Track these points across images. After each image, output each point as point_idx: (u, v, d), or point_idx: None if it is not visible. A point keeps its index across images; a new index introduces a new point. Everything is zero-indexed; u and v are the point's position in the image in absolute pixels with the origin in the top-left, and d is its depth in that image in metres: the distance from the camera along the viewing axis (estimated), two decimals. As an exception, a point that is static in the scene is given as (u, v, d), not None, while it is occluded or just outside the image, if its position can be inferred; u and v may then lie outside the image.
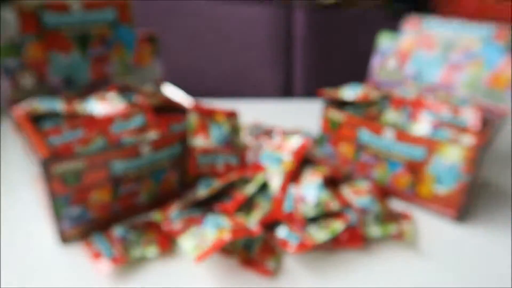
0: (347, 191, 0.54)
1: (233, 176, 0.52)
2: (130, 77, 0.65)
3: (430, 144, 0.53)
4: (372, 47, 0.76)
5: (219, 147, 0.53)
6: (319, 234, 0.47)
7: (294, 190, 0.52)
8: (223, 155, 0.54)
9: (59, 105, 0.56)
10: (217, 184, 0.52)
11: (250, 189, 0.52)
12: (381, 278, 0.45)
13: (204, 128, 0.53)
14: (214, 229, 0.45)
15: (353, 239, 0.49)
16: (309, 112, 0.81)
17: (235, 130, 0.55)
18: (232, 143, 0.55)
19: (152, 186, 0.53)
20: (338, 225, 0.48)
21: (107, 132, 0.51)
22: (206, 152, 0.53)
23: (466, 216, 0.56)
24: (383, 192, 0.60)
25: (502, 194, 0.62)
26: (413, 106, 0.60)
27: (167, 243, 0.48)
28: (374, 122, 0.57)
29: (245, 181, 0.53)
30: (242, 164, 0.55)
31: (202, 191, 0.52)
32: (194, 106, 0.53)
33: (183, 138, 0.53)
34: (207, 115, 0.53)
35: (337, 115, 0.61)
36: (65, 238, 0.48)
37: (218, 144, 0.53)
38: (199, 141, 0.52)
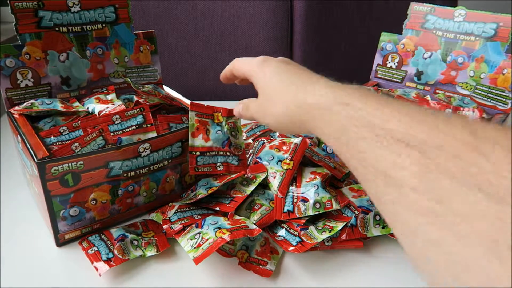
0: (347, 191, 0.54)
1: (233, 176, 0.52)
2: (130, 77, 0.65)
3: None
4: (373, 47, 0.76)
5: (219, 147, 0.53)
6: (319, 234, 0.47)
7: (294, 190, 0.52)
8: (223, 155, 0.54)
9: (57, 105, 0.56)
10: (216, 184, 0.52)
11: (249, 189, 0.51)
12: (381, 278, 0.45)
13: (204, 128, 0.52)
14: (214, 229, 0.45)
15: (353, 239, 0.49)
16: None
17: (235, 130, 0.55)
18: (232, 143, 0.54)
19: (151, 186, 0.53)
20: (338, 225, 0.48)
21: (106, 132, 0.50)
22: (206, 152, 0.52)
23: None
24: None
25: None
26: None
27: (167, 243, 0.48)
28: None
29: (245, 181, 0.53)
30: (242, 164, 0.55)
31: (202, 191, 0.51)
32: (194, 106, 0.53)
33: (183, 138, 0.53)
34: (207, 115, 0.53)
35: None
36: (64, 239, 0.48)
37: (218, 144, 0.53)
38: (199, 141, 0.52)
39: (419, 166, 0.22)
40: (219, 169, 0.53)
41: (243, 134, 0.72)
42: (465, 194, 0.20)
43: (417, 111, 0.25)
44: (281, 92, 0.38)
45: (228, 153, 0.54)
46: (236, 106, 0.47)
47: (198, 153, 0.52)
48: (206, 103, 0.55)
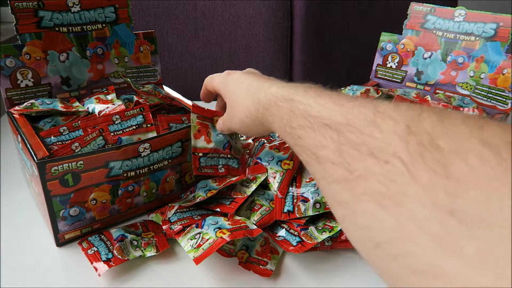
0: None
1: (232, 180, 0.52)
2: (130, 77, 0.65)
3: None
4: (373, 47, 0.76)
5: (220, 149, 0.53)
6: (319, 234, 0.47)
7: (294, 190, 0.52)
8: (224, 158, 0.53)
9: (57, 105, 0.56)
10: (216, 187, 0.52)
11: (250, 190, 0.51)
12: (381, 278, 0.45)
13: (205, 130, 0.52)
14: (214, 229, 0.45)
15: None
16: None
17: (233, 135, 0.55)
18: (233, 146, 0.54)
19: (151, 186, 0.53)
20: (338, 225, 0.48)
21: (106, 132, 0.50)
22: (208, 153, 0.52)
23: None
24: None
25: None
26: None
27: (166, 243, 0.48)
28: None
29: (245, 182, 0.53)
30: (243, 167, 0.55)
31: (201, 194, 0.51)
32: (196, 108, 0.53)
33: (183, 138, 0.52)
34: (207, 119, 0.53)
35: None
36: (64, 239, 0.48)
37: (219, 146, 0.53)
38: (201, 143, 0.52)
39: (336, 143, 0.27)
40: (220, 171, 0.53)
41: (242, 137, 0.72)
42: (363, 159, 0.24)
43: (345, 99, 0.29)
44: (242, 99, 0.43)
45: (229, 156, 0.54)
46: (217, 123, 0.52)
47: (200, 154, 0.52)
48: (206, 103, 0.55)
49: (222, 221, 0.47)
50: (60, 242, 0.48)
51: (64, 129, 0.51)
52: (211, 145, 0.52)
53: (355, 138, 0.25)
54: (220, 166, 0.53)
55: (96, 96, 0.59)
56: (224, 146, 0.53)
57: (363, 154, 0.24)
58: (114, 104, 0.57)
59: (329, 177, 0.27)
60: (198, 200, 0.50)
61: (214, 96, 0.54)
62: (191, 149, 0.51)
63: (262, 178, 0.52)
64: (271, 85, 0.39)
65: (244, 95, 0.42)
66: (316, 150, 0.28)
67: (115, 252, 0.45)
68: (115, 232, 0.48)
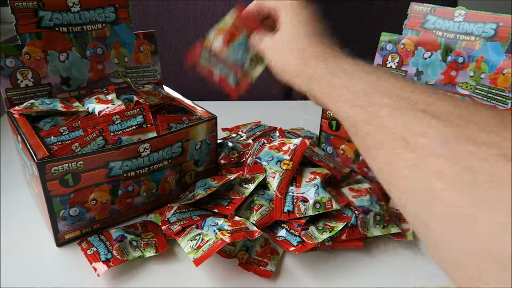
0: (347, 191, 0.54)
1: (231, 177, 0.52)
2: (130, 77, 0.65)
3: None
4: (373, 47, 0.76)
5: (229, 61, 0.48)
6: (320, 234, 0.47)
7: (294, 190, 0.52)
8: (225, 68, 0.49)
9: (57, 105, 0.56)
10: (215, 184, 0.52)
11: (248, 190, 0.51)
12: (381, 278, 0.45)
13: (232, 37, 0.47)
14: (214, 231, 0.45)
15: (353, 239, 0.49)
16: (309, 112, 0.81)
17: (258, 60, 0.49)
18: (243, 68, 0.49)
19: (151, 186, 0.53)
20: (338, 225, 0.48)
21: (106, 132, 0.50)
22: (213, 54, 0.48)
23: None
24: (383, 192, 0.59)
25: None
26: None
27: (166, 244, 0.48)
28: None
29: (243, 182, 0.53)
30: (237, 88, 0.50)
31: (200, 192, 0.51)
32: (241, 10, 0.47)
33: (183, 138, 0.52)
34: (246, 27, 0.47)
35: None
36: (64, 239, 0.48)
37: (231, 58, 0.48)
38: (217, 42, 0.47)
39: (443, 134, 0.23)
40: (214, 78, 0.49)
41: (245, 135, 0.71)
42: (494, 161, 0.21)
43: (431, 88, 0.27)
44: (303, 49, 0.39)
45: (231, 70, 0.49)
46: (254, 37, 0.46)
47: (207, 53, 0.48)
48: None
49: (222, 222, 0.47)
50: (60, 242, 0.48)
51: (64, 129, 0.51)
52: (224, 52, 0.48)
53: (477, 136, 0.23)
54: (217, 73, 0.49)
55: (96, 96, 0.59)
56: (236, 61, 0.49)
57: (491, 156, 0.22)
58: (114, 104, 0.57)
59: (426, 170, 0.24)
60: (198, 197, 0.50)
61: (256, 18, 0.47)
62: (205, 43, 0.46)
63: (261, 178, 0.52)
64: (342, 56, 0.38)
65: (306, 48, 0.40)
66: (409, 136, 0.26)
67: (114, 252, 0.45)
68: (114, 233, 0.48)
